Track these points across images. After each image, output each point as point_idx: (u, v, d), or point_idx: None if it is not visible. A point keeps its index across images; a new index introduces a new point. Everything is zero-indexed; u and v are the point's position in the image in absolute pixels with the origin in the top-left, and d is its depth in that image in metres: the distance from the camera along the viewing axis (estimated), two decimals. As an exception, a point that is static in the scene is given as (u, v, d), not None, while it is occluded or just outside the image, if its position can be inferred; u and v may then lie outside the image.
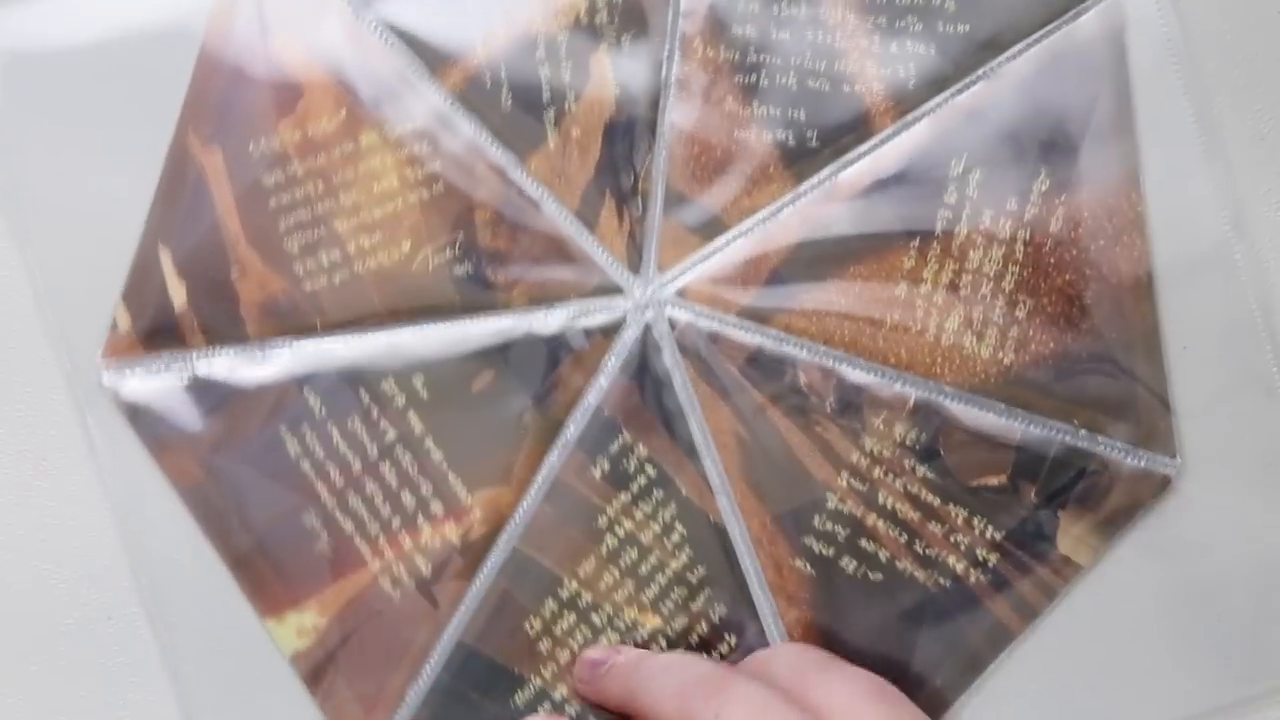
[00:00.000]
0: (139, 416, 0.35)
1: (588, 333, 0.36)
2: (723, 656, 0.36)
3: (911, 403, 0.36)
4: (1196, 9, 0.36)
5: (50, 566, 0.35)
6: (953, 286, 0.36)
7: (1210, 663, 0.36)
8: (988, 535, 0.36)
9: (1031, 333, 0.36)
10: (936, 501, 0.36)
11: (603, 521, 0.36)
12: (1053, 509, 0.36)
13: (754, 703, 0.32)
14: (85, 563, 0.35)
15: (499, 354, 0.36)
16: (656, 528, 0.36)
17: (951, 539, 0.36)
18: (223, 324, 0.35)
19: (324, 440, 0.35)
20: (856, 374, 0.36)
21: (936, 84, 0.35)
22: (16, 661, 0.36)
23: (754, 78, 0.35)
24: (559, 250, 0.36)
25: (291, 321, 0.35)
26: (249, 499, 0.35)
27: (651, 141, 0.36)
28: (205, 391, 0.35)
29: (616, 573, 0.36)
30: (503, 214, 0.36)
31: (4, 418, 0.35)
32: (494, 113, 0.35)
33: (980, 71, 0.35)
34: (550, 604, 0.36)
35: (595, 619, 0.36)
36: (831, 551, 0.36)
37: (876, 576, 0.36)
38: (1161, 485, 0.36)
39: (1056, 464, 0.36)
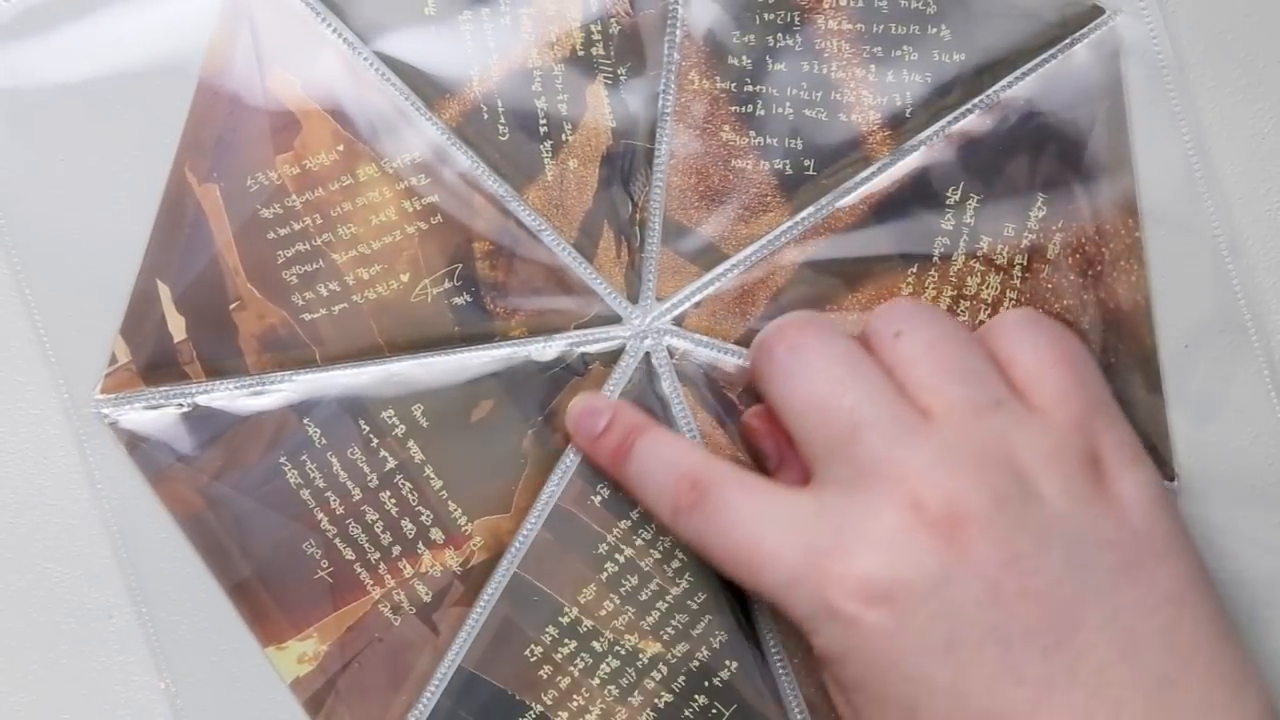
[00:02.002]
0: (138, 447, 0.35)
1: (587, 361, 0.36)
2: (724, 683, 0.36)
3: (910, 428, 0.36)
4: (1194, 17, 0.36)
5: (50, 565, 0.35)
6: (950, 312, 0.36)
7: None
8: (988, 559, 0.36)
9: (1030, 358, 0.36)
10: (936, 526, 0.36)
11: (603, 548, 0.36)
12: (1052, 533, 0.36)
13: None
14: (85, 561, 0.36)
15: (498, 383, 0.36)
16: (656, 554, 0.36)
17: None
18: (221, 356, 0.35)
19: (324, 469, 0.35)
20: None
21: (933, 112, 0.35)
22: (16, 660, 0.36)
23: (750, 108, 0.35)
24: (558, 281, 0.36)
25: (290, 352, 0.35)
26: (249, 528, 0.35)
27: (649, 172, 0.36)
28: (204, 422, 0.35)
29: (617, 599, 0.36)
30: (501, 245, 0.36)
31: (4, 423, 0.36)
32: (491, 145, 0.35)
33: (976, 99, 0.35)
34: (551, 630, 0.36)
35: (596, 645, 0.36)
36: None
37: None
38: (1160, 509, 0.36)
39: (1055, 488, 0.36)
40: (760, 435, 0.35)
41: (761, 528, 0.31)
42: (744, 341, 0.36)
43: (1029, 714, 0.28)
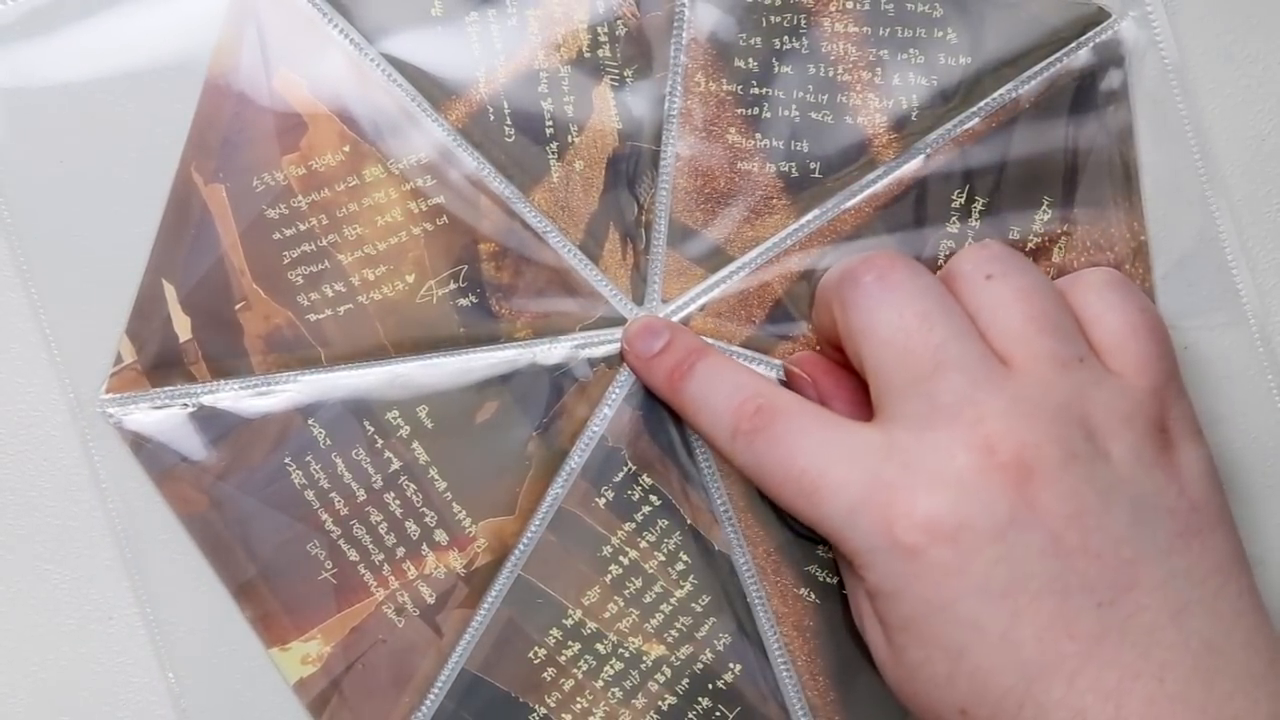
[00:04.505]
0: (143, 447, 0.35)
1: (592, 363, 0.36)
2: (727, 685, 0.36)
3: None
4: (1195, 20, 0.36)
5: (51, 567, 0.36)
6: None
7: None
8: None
9: (1034, 361, 0.36)
10: (940, 529, 0.36)
11: (607, 550, 0.36)
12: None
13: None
14: (86, 563, 0.36)
15: (503, 385, 0.36)
16: (661, 557, 0.36)
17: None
18: (227, 356, 0.35)
19: (328, 470, 0.35)
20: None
21: (938, 115, 0.35)
22: (16, 661, 0.36)
23: (756, 110, 0.35)
24: (563, 282, 0.36)
25: (295, 353, 0.35)
26: (254, 528, 0.35)
27: (655, 174, 0.36)
28: (209, 422, 0.35)
29: (621, 601, 0.36)
30: (506, 246, 0.36)
31: (7, 424, 0.36)
32: (497, 146, 0.35)
33: (982, 103, 0.35)
34: (555, 633, 0.36)
35: (600, 648, 0.36)
36: (836, 580, 0.36)
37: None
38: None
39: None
40: (803, 383, 0.34)
41: (826, 457, 0.31)
42: (749, 344, 0.36)
43: (1077, 669, 0.28)
